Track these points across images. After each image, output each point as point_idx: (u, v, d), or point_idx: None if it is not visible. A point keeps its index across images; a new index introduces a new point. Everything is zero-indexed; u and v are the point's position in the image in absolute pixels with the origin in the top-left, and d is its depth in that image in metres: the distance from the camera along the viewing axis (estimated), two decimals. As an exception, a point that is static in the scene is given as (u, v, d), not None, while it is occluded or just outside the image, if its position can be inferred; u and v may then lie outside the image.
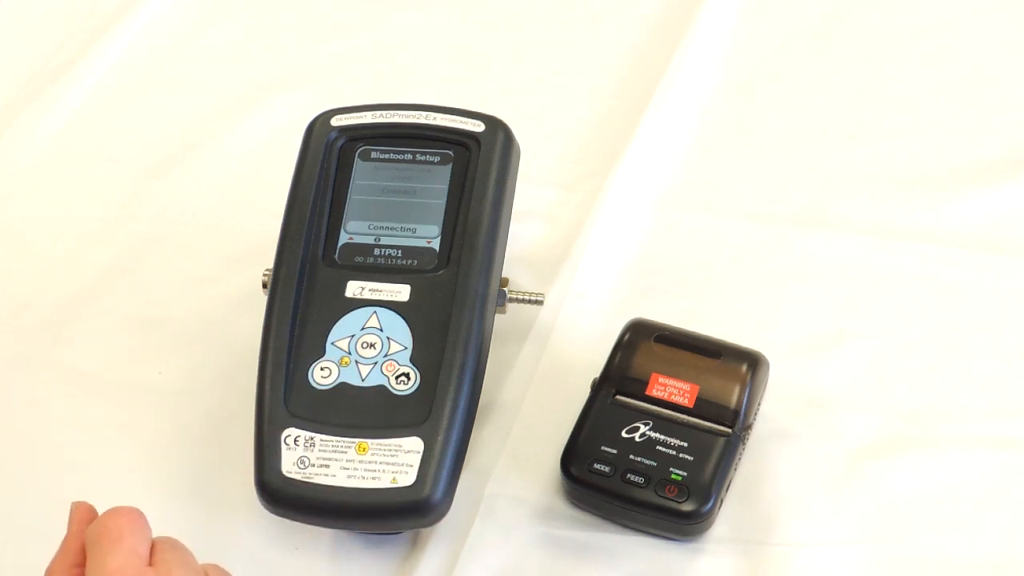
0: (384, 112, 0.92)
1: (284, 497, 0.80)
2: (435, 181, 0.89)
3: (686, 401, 0.87)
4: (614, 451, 0.85)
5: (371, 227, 0.88)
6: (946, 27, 1.16)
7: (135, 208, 1.06)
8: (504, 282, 0.90)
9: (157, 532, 0.74)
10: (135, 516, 0.72)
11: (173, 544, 0.74)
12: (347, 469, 0.80)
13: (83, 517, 0.75)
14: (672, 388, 0.87)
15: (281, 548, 0.86)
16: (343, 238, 0.88)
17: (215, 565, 0.76)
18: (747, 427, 0.88)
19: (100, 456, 0.91)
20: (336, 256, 0.87)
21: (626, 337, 0.90)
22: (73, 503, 0.76)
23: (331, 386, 0.83)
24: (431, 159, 0.90)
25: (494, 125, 0.91)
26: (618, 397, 0.88)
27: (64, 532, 0.75)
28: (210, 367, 0.96)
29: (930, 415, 0.92)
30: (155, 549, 0.72)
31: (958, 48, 1.15)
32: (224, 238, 1.03)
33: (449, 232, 0.87)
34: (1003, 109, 1.10)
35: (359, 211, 0.89)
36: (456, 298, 0.84)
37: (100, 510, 0.74)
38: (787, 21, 1.18)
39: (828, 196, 1.05)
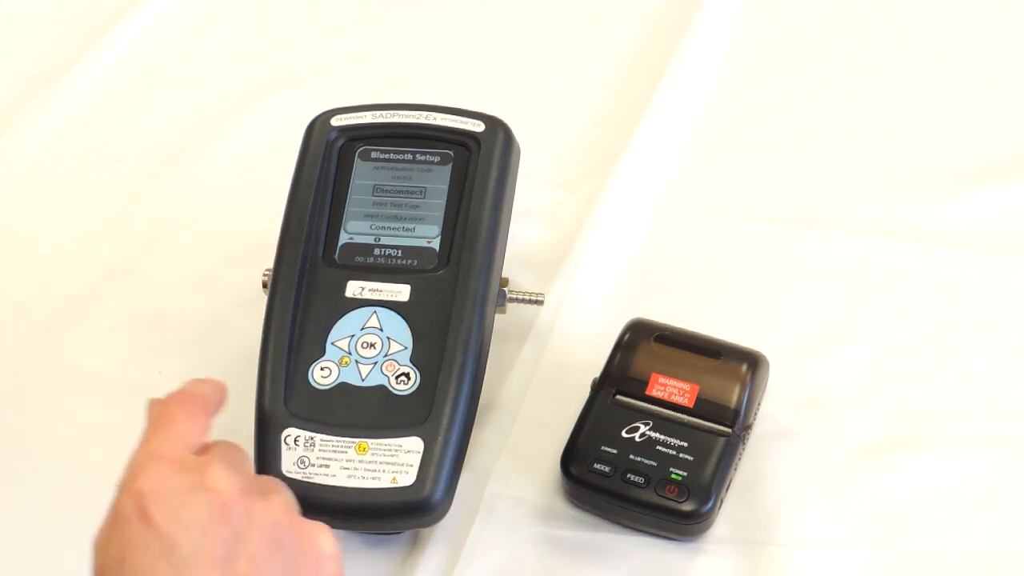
0: (384, 112, 0.92)
1: (284, 497, 0.80)
2: (435, 181, 0.89)
3: (686, 401, 0.87)
4: (614, 451, 0.85)
5: (371, 227, 0.88)
6: (946, 27, 1.16)
7: (135, 208, 1.06)
8: (504, 282, 0.90)
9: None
10: (193, 406, 0.71)
11: (231, 446, 0.71)
12: (347, 469, 0.80)
13: None
14: (672, 388, 0.87)
15: (281, 548, 0.86)
16: (343, 238, 0.88)
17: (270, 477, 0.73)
18: (747, 427, 0.87)
19: (100, 456, 0.91)
20: (336, 256, 0.87)
21: (626, 337, 0.90)
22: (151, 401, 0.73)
23: (331, 386, 0.83)
24: (431, 159, 0.90)
25: (494, 125, 0.91)
26: (618, 397, 0.88)
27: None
28: (210, 367, 0.95)
29: (930, 415, 0.92)
30: (211, 446, 0.71)
31: (958, 48, 1.15)
32: (224, 238, 1.03)
33: (449, 232, 0.87)
34: (1003, 109, 1.10)
35: (359, 211, 0.88)
36: (456, 298, 0.84)
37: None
38: (787, 21, 1.18)
39: (828, 196, 1.05)
